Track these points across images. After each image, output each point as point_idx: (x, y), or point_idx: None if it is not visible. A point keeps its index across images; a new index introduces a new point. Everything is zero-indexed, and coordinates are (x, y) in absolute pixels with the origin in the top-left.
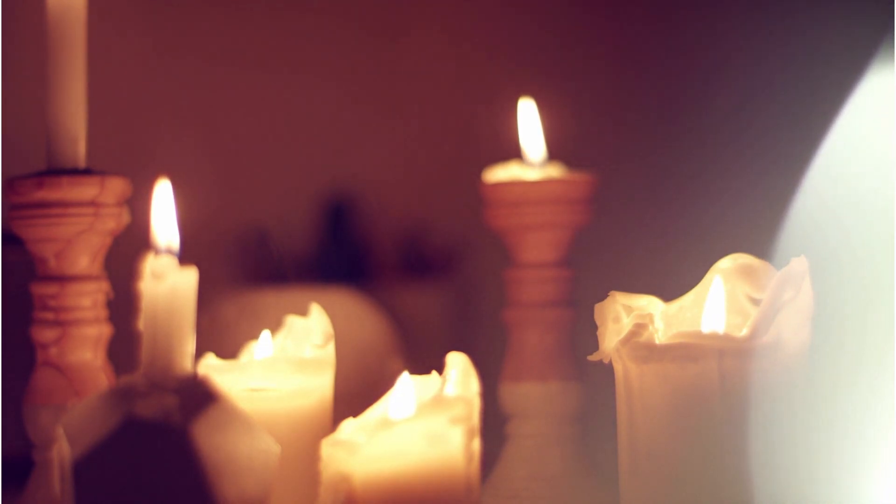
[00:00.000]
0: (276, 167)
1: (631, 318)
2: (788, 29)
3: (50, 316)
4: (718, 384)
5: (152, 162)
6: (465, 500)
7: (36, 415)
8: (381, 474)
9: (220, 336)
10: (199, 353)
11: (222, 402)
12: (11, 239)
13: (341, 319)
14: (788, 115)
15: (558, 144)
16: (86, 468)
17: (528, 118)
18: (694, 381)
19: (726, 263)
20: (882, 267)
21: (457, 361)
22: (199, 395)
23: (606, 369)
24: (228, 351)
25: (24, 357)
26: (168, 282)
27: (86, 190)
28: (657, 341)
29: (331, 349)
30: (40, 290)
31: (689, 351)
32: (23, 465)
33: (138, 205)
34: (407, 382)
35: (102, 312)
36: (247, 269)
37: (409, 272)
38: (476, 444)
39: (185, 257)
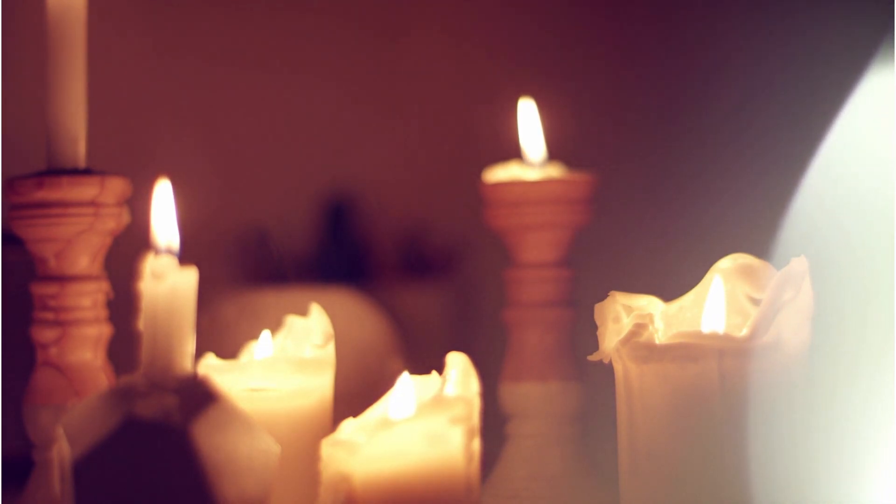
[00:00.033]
0: (276, 167)
1: (631, 318)
2: (788, 29)
3: (50, 316)
4: (718, 384)
5: (152, 162)
6: (465, 500)
7: (36, 415)
8: (381, 474)
9: (220, 336)
10: (199, 353)
11: (222, 402)
12: (11, 239)
13: (341, 319)
14: (788, 115)
15: (558, 144)
16: (86, 468)
17: (528, 118)
18: (694, 381)
19: (726, 263)
20: (882, 267)
21: (457, 361)
22: (199, 395)
23: (606, 369)
24: (228, 351)
25: (24, 357)
26: (168, 282)
27: (86, 190)
28: (657, 341)
29: (331, 349)
30: (40, 290)
31: (689, 351)
32: (23, 465)
33: (138, 205)
34: (407, 382)
35: (102, 312)
36: (247, 269)
37: (409, 272)
38: (476, 444)
39: (185, 257)
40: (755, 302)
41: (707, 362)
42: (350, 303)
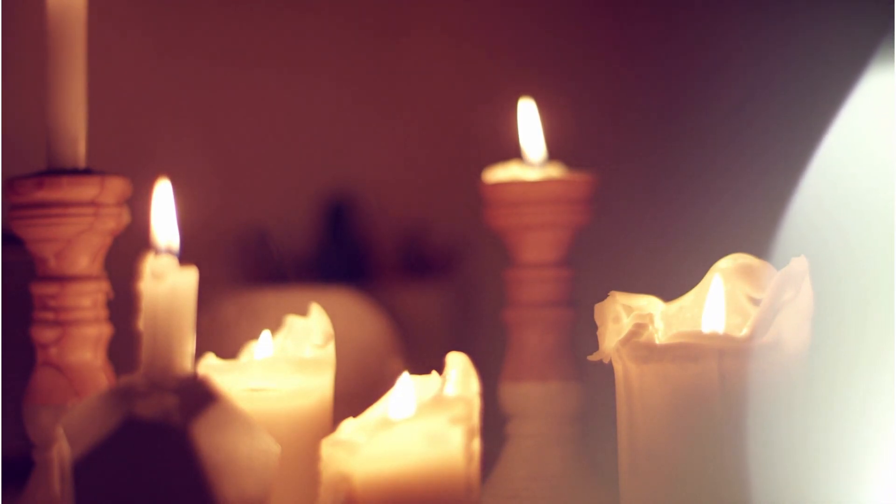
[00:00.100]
0: (276, 167)
1: (631, 318)
2: (788, 29)
3: (50, 316)
4: (718, 384)
5: (152, 162)
6: (465, 500)
7: (36, 415)
8: (381, 474)
9: (220, 336)
10: (199, 353)
11: (222, 402)
12: (11, 239)
13: (341, 319)
14: (788, 115)
15: (558, 144)
16: (86, 468)
17: (528, 118)
18: (694, 381)
19: (726, 263)
20: (881, 267)
21: (457, 361)
22: (199, 395)
23: (606, 369)
24: (228, 351)
25: (24, 357)
26: (168, 282)
27: (86, 190)
28: (657, 341)
29: (331, 349)
30: (40, 290)
31: (689, 351)
32: (23, 465)
33: (138, 205)
34: (407, 382)
35: (102, 312)
36: (247, 269)
37: (409, 272)
38: (476, 444)
39: (185, 257)
40: (755, 302)
41: (707, 362)
42: (350, 303)
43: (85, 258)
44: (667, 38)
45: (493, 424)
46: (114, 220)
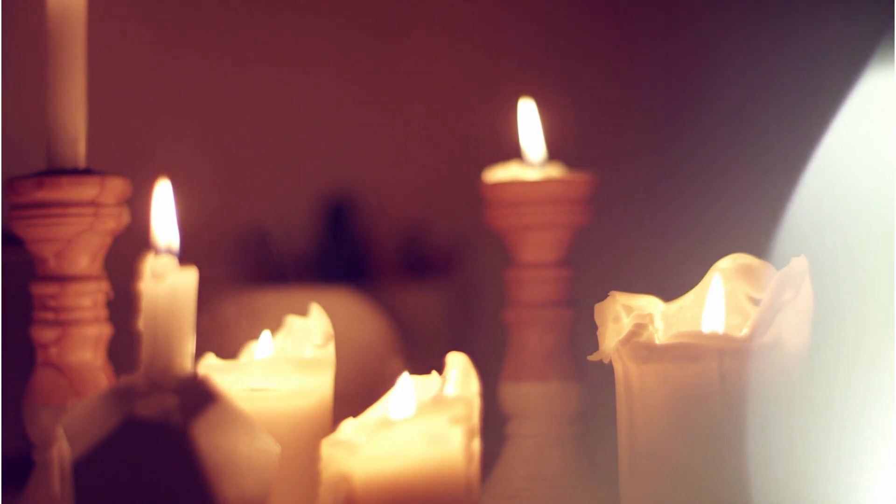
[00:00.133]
0: (276, 167)
1: (631, 318)
2: (788, 29)
3: (50, 316)
4: (718, 384)
5: (152, 162)
6: (465, 500)
7: (36, 415)
8: (381, 474)
9: (220, 336)
10: (199, 353)
11: (222, 402)
12: (11, 239)
13: (341, 319)
14: (788, 115)
15: (558, 144)
16: (86, 468)
17: (528, 118)
18: (694, 381)
19: (726, 263)
20: (881, 267)
21: (457, 361)
22: (199, 395)
23: (606, 369)
24: (228, 351)
25: (24, 357)
26: (168, 282)
27: (86, 190)
28: (657, 341)
29: (331, 349)
30: (40, 290)
31: (689, 351)
32: (23, 465)
33: (138, 205)
34: (407, 382)
35: (102, 312)
36: (247, 269)
37: (409, 272)
38: (476, 444)
39: (185, 257)
40: (755, 302)
41: (707, 362)
42: (350, 303)
43: (85, 258)
44: (667, 38)
45: (493, 424)
46: (114, 220)
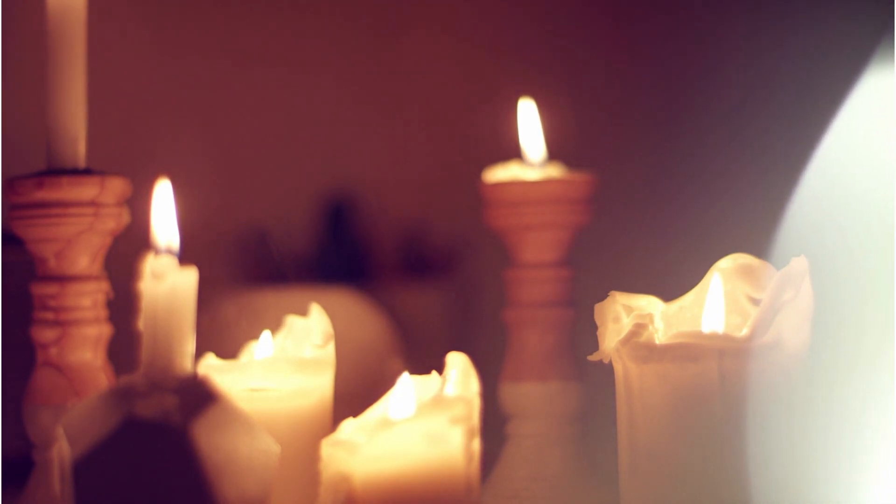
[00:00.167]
0: (276, 167)
1: (631, 318)
2: (788, 29)
3: (50, 316)
4: (718, 384)
5: (152, 162)
6: (465, 500)
7: (36, 415)
8: (381, 474)
9: (220, 336)
10: (199, 353)
11: (222, 402)
12: (11, 239)
13: (341, 319)
14: (788, 115)
15: (558, 144)
16: (86, 468)
17: (528, 118)
18: (694, 381)
19: (726, 263)
20: (881, 267)
21: (457, 361)
22: (199, 395)
23: (606, 369)
24: (228, 351)
25: (24, 357)
26: (168, 282)
27: (86, 190)
28: (657, 341)
29: (331, 349)
30: (40, 290)
31: (689, 351)
32: (23, 465)
33: (138, 205)
34: (407, 382)
35: (102, 312)
36: (247, 269)
37: (409, 272)
38: (476, 444)
39: (185, 257)
40: (755, 302)
41: (707, 362)
42: (350, 303)
43: (85, 258)
44: (667, 38)
45: (493, 424)
46: (114, 220)
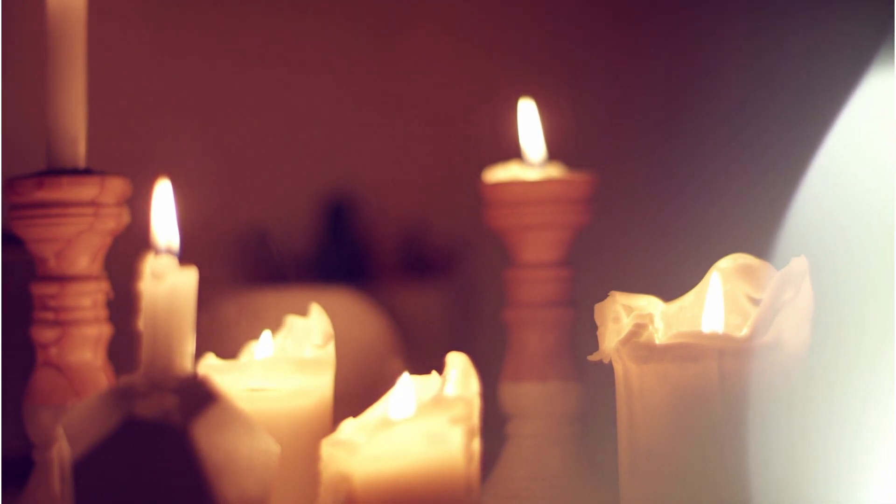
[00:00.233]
0: (276, 167)
1: (631, 318)
2: (788, 29)
3: (50, 316)
4: (718, 384)
5: (152, 162)
6: (465, 500)
7: (36, 415)
8: (381, 474)
9: (220, 336)
10: (199, 353)
11: (222, 402)
12: (11, 239)
13: (341, 319)
14: (788, 115)
15: (558, 144)
16: (86, 468)
17: (528, 118)
18: (694, 381)
19: (726, 263)
20: (881, 267)
21: (457, 361)
22: (199, 395)
23: (606, 369)
24: (228, 351)
25: (24, 357)
26: (168, 282)
27: (86, 190)
28: (657, 341)
29: (331, 349)
30: (40, 290)
31: (689, 351)
32: (23, 465)
33: (138, 205)
34: (407, 382)
35: (102, 312)
36: (247, 269)
37: (409, 272)
38: (476, 444)
39: (185, 257)
40: (755, 302)
41: (707, 362)
42: (350, 303)
43: (85, 258)
44: (667, 38)
45: (493, 424)
46: (114, 220)
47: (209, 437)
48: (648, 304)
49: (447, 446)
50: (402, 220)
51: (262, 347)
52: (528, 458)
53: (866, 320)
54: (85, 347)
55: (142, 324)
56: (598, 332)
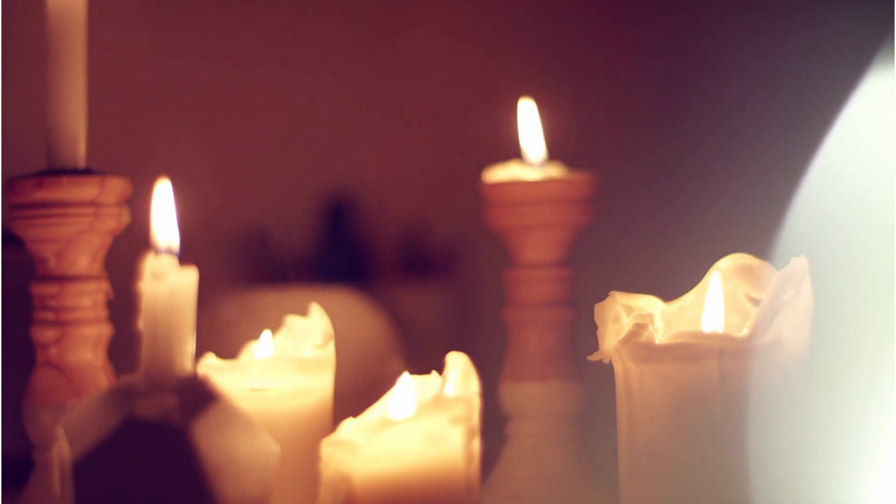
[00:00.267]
0: (276, 167)
1: (631, 318)
2: (788, 29)
3: (50, 316)
4: (718, 384)
5: (152, 162)
6: (465, 500)
7: (36, 415)
8: (381, 474)
9: (220, 336)
10: (199, 353)
11: (222, 402)
12: (11, 239)
13: (341, 319)
14: (788, 115)
15: (558, 144)
16: (86, 468)
17: (528, 118)
18: (694, 381)
19: (726, 263)
20: (881, 267)
21: (457, 361)
22: (199, 395)
23: (606, 369)
24: (228, 351)
25: (24, 357)
26: (168, 282)
27: (86, 190)
28: (657, 341)
29: (331, 349)
30: (40, 290)
31: (689, 351)
32: (23, 465)
33: (138, 205)
34: (407, 382)
35: (102, 312)
36: (247, 269)
37: (409, 272)
38: (476, 444)
39: (185, 257)
40: (755, 302)
41: (707, 362)
42: (350, 303)
43: (85, 258)
44: (667, 38)
45: (493, 424)
46: (114, 220)
47: (209, 437)
48: (648, 304)
49: (447, 446)
50: (402, 220)
51: (262, 347)
52: (528, 458)
53: (866, 320)
54: (85, 347)
55: (142, 324)
56: (598, 332)
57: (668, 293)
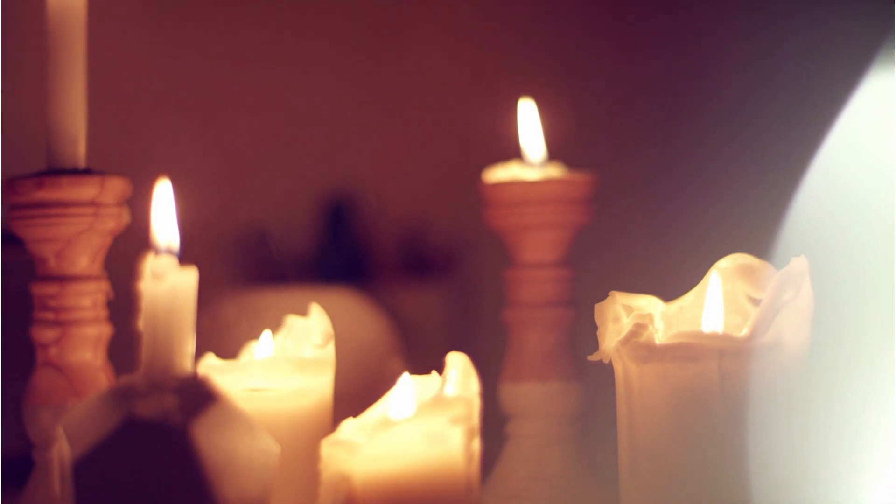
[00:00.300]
0: (276, 167)
1: (631, 318)
2: (788, 29)
3: (50, 316)
4: (718, 384)
5: (152, 162)
6: (465, 500)
7: (36, 415)
8: (381, 474)
9: (220, 336)
10: (199, 353)
11: (222, 402)
12: (11, 239)
13: (341, 319)
14: (788, 115)
15: (558, 144)
16: (86, 468)
17: (528, 118)
18: (694, 381)
19: (726, 263)
20: (881, 267)
21: (457, 361)
22: (199, 395)
23: (606, 369)
24: (228, 351)
25: (24, 357)
26: (168, 282)
27: (86, 190)
28: (657, 341)
29: (331, 349)
30: (40, 290)
31: (689, 351)
32: (23, 465)
33: (138, 205)
34: (407, 382)
35: (102, 312)
36: (247, 269)
37: (409, 272)
38: (476, 444)
39: (185, 257)
40: (755, 302)
41: (707, 362)
42: (350, 303)
43: (85, 258)
44: (666, 37)
45: (493, 424)
46: (114, 220)
47: (209, 437)
48: (648, 304)
49: (447, 446)
50: (402, 220)
51: (262, 347)
52: (528, 458)
53: (866, 320)
54: (85, 347)
55: (142, 324)
56: (598, 332)
57: (668, 293)
